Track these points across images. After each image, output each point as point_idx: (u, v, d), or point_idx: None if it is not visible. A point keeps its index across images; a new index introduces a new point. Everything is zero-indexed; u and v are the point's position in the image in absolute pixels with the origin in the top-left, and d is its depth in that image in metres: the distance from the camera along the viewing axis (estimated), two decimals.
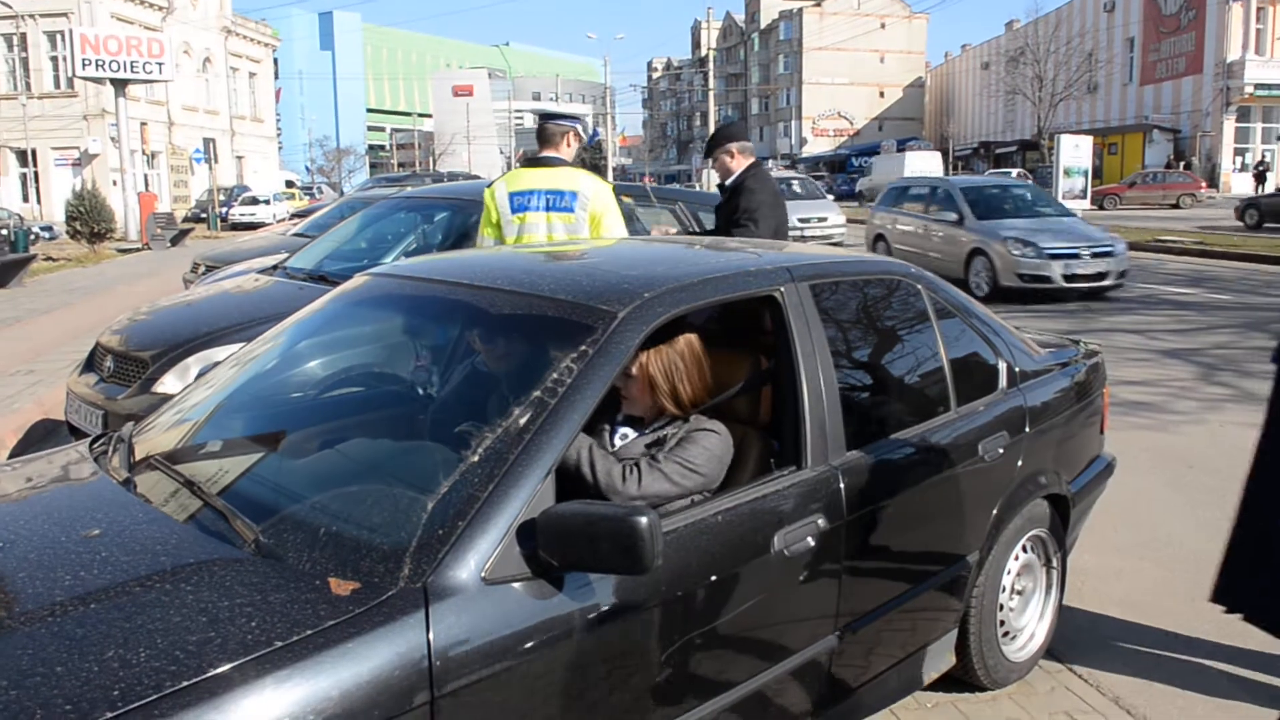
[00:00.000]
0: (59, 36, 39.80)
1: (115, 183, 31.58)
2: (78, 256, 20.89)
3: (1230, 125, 42.54)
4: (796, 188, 20.87)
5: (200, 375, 3.12)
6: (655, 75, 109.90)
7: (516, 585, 1.88)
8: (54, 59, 40.52)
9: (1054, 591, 3.60)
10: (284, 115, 72.97)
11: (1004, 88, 56.13)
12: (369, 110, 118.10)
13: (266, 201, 39.76)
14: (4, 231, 16.93)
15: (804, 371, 2.58)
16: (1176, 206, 33.51)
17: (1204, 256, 17.83)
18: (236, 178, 48.27)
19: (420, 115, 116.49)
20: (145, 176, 39.54)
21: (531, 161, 4.65)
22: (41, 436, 6.43)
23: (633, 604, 2.04)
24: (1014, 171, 45.88)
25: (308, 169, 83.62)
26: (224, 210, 35.97)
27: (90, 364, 5.23)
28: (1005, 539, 3.24)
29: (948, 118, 74.91)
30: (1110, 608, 4.02)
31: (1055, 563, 3.59)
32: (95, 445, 2.67)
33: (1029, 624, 3.52)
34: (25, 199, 40.54)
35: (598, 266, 2.73)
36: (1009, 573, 3.34)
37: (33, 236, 19.23)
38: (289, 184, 51.87)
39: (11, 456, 5.98)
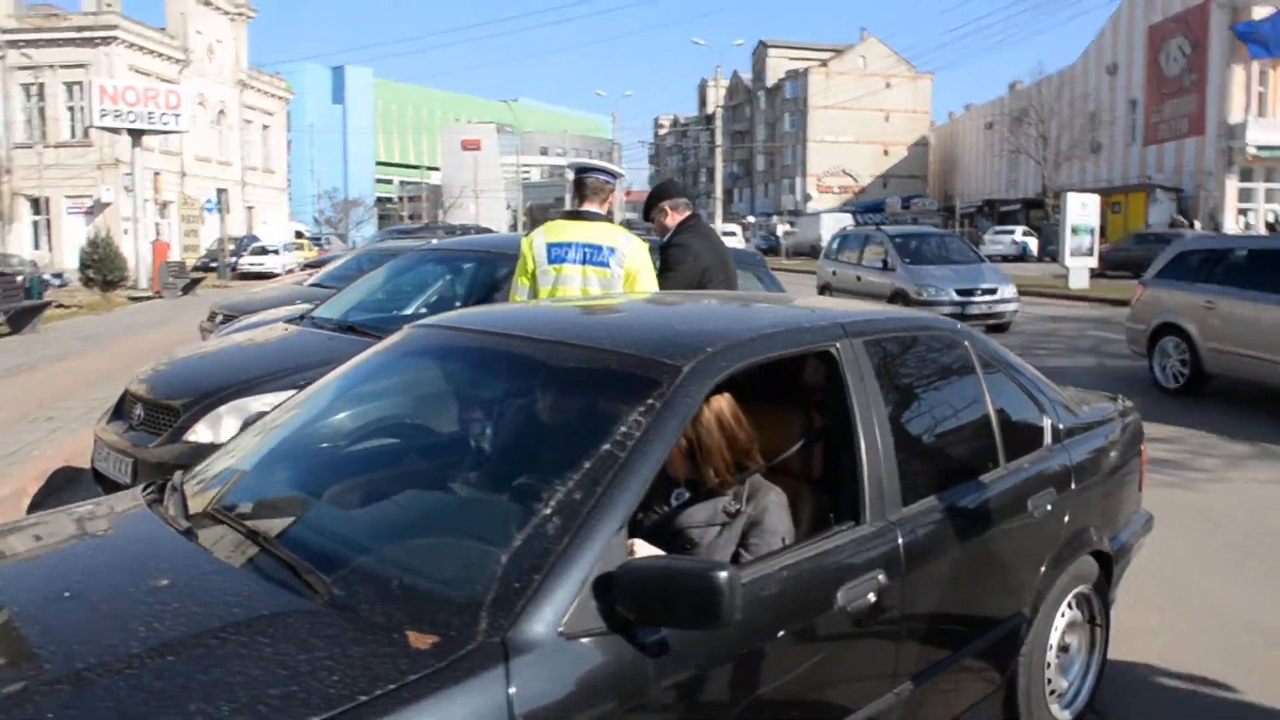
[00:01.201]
0: (76, 88, 40.48)
1: (126, 231, 31.92)
2: (89, 304, 21.01)
3: (1233, 185, 42.86)
4: (933, 248, 16.46)
5: (245, 425, 3.12)
6: (662, 131, 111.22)
7: (593, 640, 1.86)
8: (71, 109, 41.14)
9: (1098, 649, 3.56)
10: (294, 167, 73.70)
11: (1007, 147, 56.72)
12: (378, 163, 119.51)
13: (276, 251, 40.06)
14: (20, 279, 17.03)
15: (861, 427, 2.58)
16: None
17: None
18: (246, 228, 48.68)
19: (429, 168, 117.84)
20: (157, 225, 39.89)
21: (571, 214, 4.69)
22: (63, 484, 6.41)
23: (704, 659, 2.02)
24: (1018, 230, 46.25)
25: (316, 220, 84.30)
26: (233, 260, 36.24)
27: (119, 412, 5.22)
28: (1053, 596, 3.22)
29: (952, 176, 75.63)
30: (1150, 666, 3.97)
31: (1099, 620, 3.56)
32: (148, 493, 2.66)
33: (1073, 682, 3.48)
34: (36, 246, 40.87)
35: (654, 321, 2.75)
36: (1056, 630, 3.31)
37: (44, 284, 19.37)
38: (298, 234, 52.29)
39: (34, 505, 5.96)
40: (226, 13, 49.33)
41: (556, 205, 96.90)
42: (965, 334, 3.26)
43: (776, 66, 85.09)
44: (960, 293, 14.69)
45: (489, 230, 32.14)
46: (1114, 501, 3.71)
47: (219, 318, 10.84)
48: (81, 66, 40.05)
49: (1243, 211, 43.16)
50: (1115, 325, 14.78)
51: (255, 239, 43.22)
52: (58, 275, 29.33)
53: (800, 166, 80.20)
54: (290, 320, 6.19)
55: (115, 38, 40.70)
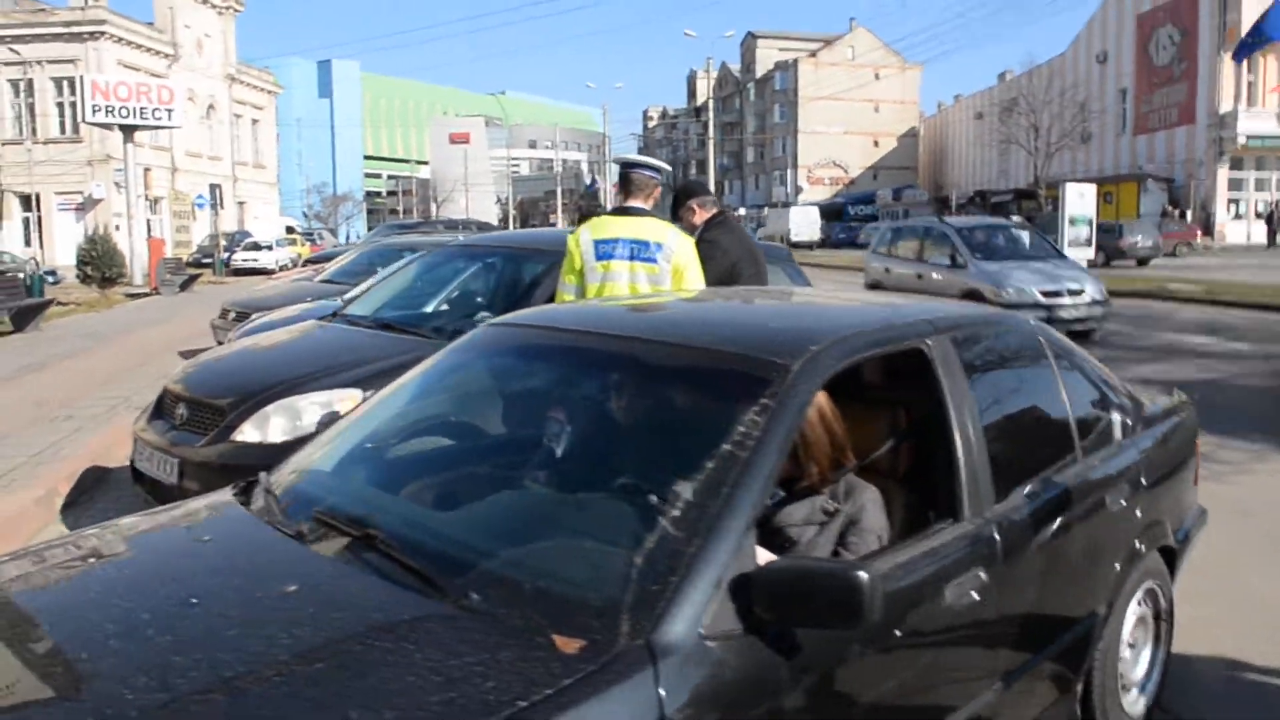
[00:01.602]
0: (65, 83, 40.17)
1: (118, 227, 31.68)
2: (88, 301, 20.87)
3: (1224, 175, 43.07)
4: (1005, 242, 14.70)
5: (322, 424, 3.09)
6: (651, 124, 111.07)
7: (731, 641, 1.85)
8: (60, 105, 40.84)
9: (1163, 643, 3.57)
10: (281, 162, 73.27)
11: (998, 137, 56.84)
12: (366, 157, 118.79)
13: (269, 247, 39.82)
14: (21, 276, 16.90)
15: (956, 423, 2.58)
16: (1173, 255, 33.78)
17: (1213, 305, 17.90)
18: (238, 223, 48.42)
19: (417, 162, 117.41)
20: (149, 222, 39.68)
21: (617, 210, 4.68)
22: (94, 485, 6.37)
23: (832, 659, 2.02)
24: (1011, 220, 46.37)
25: (305, 215, 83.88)
26: (226, 255, 36.06)
27: (159, 411, 5.18)
28: (1127, 590, 3.23)
29: (942, 166, 75.79)
30: (1208, 658, 3.98)
31: (1164, 614, 3.57)
32: (237, 494, 2.64)
33: (1142, 677, 3.49)
34: (27, 243, 40.58)
35: (749, 319, 2.74)
36: (1127, 625, 3.32)
37: None
38: (289, 230, 52.04)
39: (66, 506, 5.92)
40: (214, 6, 49.02)
41: (546, 199, 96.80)
42: (1038, 328, 3.27)
43: (765, 57, 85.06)
44: (1046, 294, 12.85)
45: (489, 225, 32.21)
46: (1176, 495, 3.72)
47: (231, 315, 10.79)
48: (70, 62, 39.74)
49: (1233, 201, 43.40)
50: (1118, 317, 14.87)
51: (247, 234, 42.99)
52: (50, 273, 29.10)
53: (790, 158, 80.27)
54: (321, 317, 6.14)
55: (104, 33, 40.40)
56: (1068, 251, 23.07)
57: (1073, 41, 55.26)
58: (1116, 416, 3.40)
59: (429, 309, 5.96)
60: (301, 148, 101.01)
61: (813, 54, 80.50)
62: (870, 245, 17.34)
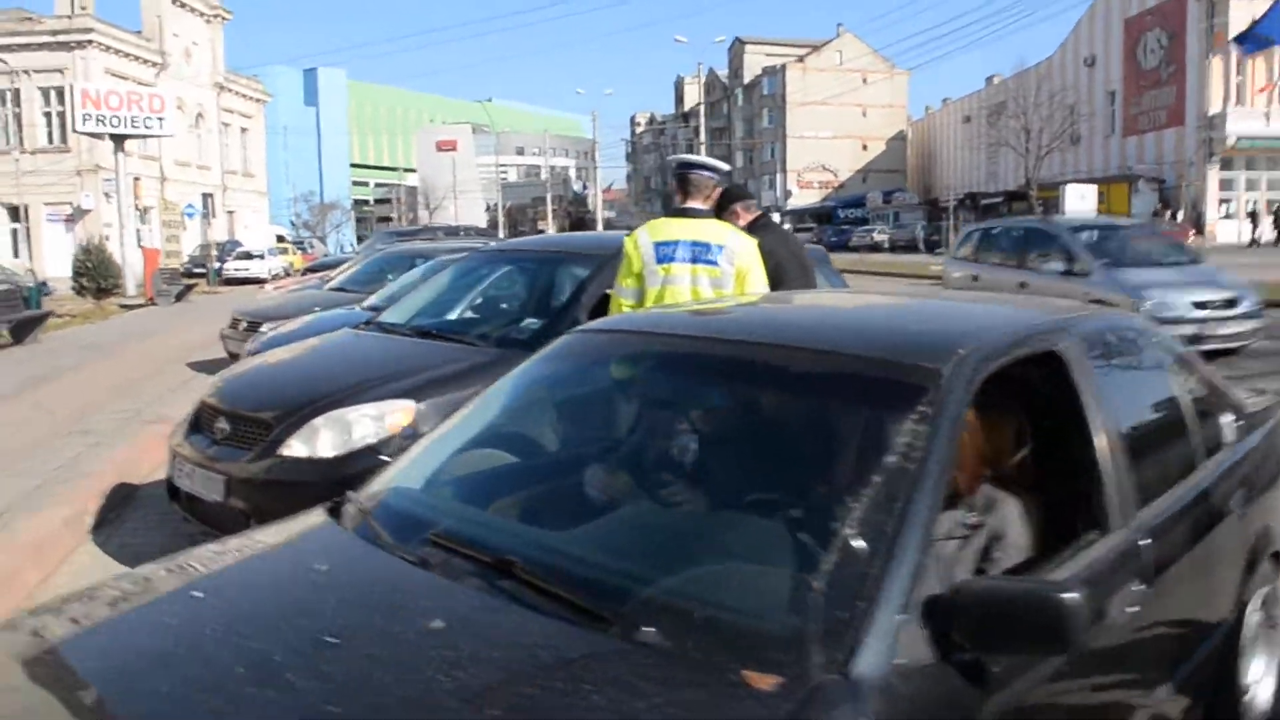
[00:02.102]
0: (53, 93, 39.80)
1: (107, 238, 31.36)
2: (83, 312, 20.59)
3: (1214, 175, 43.23)
4: (1128, 244, 12.46)
5: (406, 438, 2.91)
6: (639, 129, 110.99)
7: (926, 669, 1.70)
8: (47, 115, 40.43)
9: (1278, 649, 3.44)
10: (268, 170, 72.70)
11: (987, 140, 56.94)
12: (353, 165, 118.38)
13: (261, 256, 39.55)
14: (24, 288, 16.64)
15: (1096, 430, 2.44)
16: None
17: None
18: (228, 232, 48.00)
19: (405, 170, 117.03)
20: (139, 231, 39.32)
21: (675, 212, 4.53)
22: (121, 502, 6.17)
23: (1022, 683, 1.88)
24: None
25: (292, 223, 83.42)
26: (218, 265, 35.76)
27: (197, 425, 4.99)
28: (1248, 596, 3.11)
29: (931, 169, 75.94)
30: None
31: (1277, 619, 3.45)
32: (334, 516, 2.47)
33: (1254, 684, 3.36)
34: (15, 254, 40.14)
35: (882, 322, 2.58)
36: (1248, 632, 3.19)
37: None
38: (279, 238, 51.71)
39: (98, 525, 5.71)
40: (202, 14, 48.66)
41: (534, 205, 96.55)
42: (1153, 330, 3.14)
43: (753, 63, 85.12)
44: (1198, 305, 10.64)
45: (488, 232, 31.80)
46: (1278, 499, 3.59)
47: (243, 325, 10.59)
48: (58, 71, 39.38)
49: (1224, 201, 43.56)
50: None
51: (238, 244, 42.66)
52: (42, 284, 28.77)
53: (779, 163, 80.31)
54: (354, 325, 5.97)
55: (91, 41, 40.04)
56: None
57: (1060, 45, 55.42)
58: (1227, 418, 3.27)
59: (470, 315, 5.80)
60: (288, 156, 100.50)
61: (800, 59, 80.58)
62: (950, 249, 15.51)
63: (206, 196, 34.22)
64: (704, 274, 4.31)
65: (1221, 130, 42.05)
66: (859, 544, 1.80)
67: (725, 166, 4.74)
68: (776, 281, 4.78)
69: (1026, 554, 2.41)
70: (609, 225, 72.76)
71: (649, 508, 2.29)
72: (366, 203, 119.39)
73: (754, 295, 4.02)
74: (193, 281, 28.56)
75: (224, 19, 50.77)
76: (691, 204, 4.48)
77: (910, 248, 52.09)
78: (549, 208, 76.85)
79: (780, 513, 2.04)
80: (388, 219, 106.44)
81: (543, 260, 5.97)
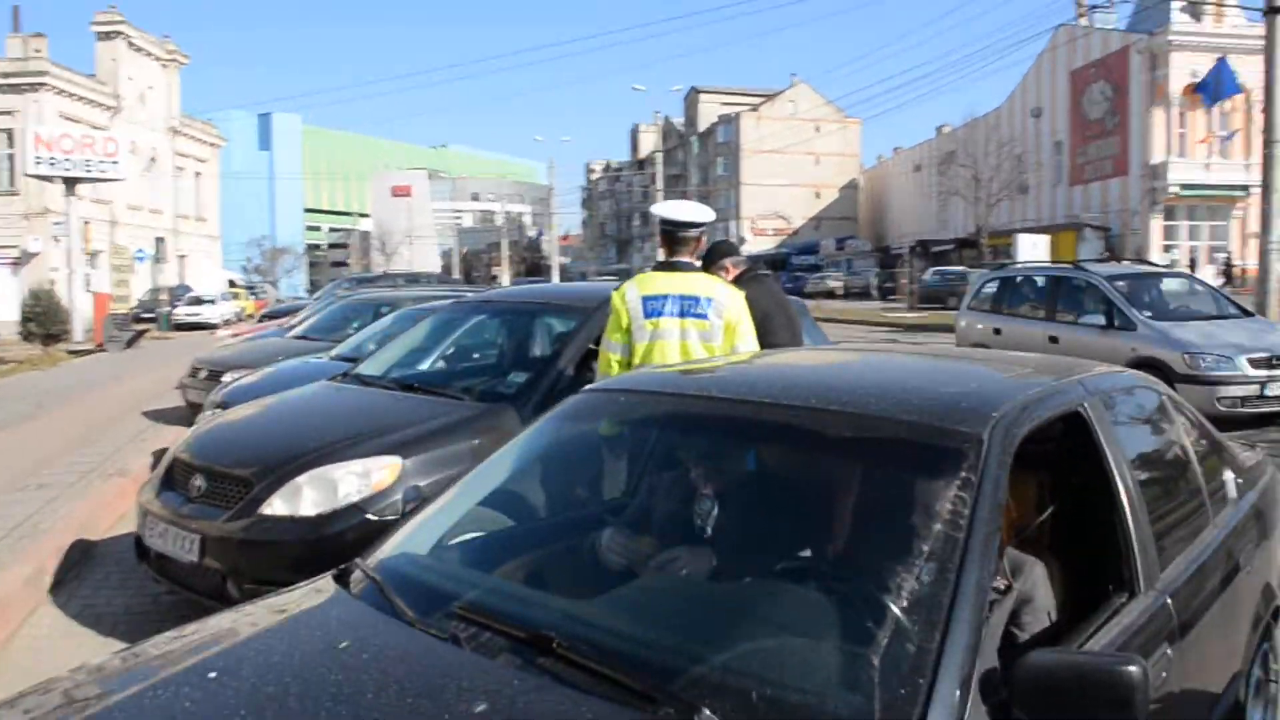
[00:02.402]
0: (2, 135, 39.14)
1: (53, 282, 30.72)
2: (30, 359, 20.05)
3: (1158, 224, 44.42)
4: (1170, 297, 11.46)
5: (407, 501, 2.81)
6: (594, 176, 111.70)
7: None
8: None
9: (1276, 708, 3.43)
10: (221, 214, 71.89)
11: (938, 188, 57.97)
12: (306, 210, 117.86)
13: (212, 301, 39.04)
14: None
15: (1120, 490, 2.42)
16: None
17: None
18: (178, 277, 47.28)
19: (360, 215, 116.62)
20: (88, 276, 38.61)
21: (663, 265, 4.51)
22: (81, 560, 5.94)
23: None
24: (956, 270, 46.79)
25: (244, 268, 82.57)
26: (168, 310, 35.18)
27: (169, 482, 4.82)
28: (1254, 654, 3.09)
29: (882, 217, 77.15)
30: None
31: (1274, 676, 3.43)
32: (342, 586, 2.36)
33: None
34: None
35: (909, 383, 2.54)
36: (1252, 689, 3.17)
37: None
38: (231, 283, 51.08)
39: (57, 585, 5.49)
40: (158, 59, 48.25)
41: (489, 251, 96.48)
42: (1159, 385, 3.14)
43: (708, 111, 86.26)
44: (1257, 364, 9.50)
45: (448, 279, 31.78)
46: (1275, 554, 3.60)
47: (203, 374, 10.36)
48: (8, 113, 38.72)
49: (1167, 248, 44.64)
50: None
51: (188, 289, 42.05)
52: None
53: (734, 209, 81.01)
54: (331, 378, 5.84)
55: (44, 84, 39.45)
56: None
57: (1008, 97, 56.84)
58: (1229, 474, 3.27)
59: (451, 368, 5.70)
60: (241, 200, 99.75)
61: (755, 108, 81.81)
62: (964, 300, 13.85)
63: (159, 240, 33.60)
64: (693, 327, 4.28)
65: (1164, 179, 43.29)
66: (913, 615, 1.75)
67: (710, 216, 4.73)
68: (764, 335, 4.75)
69: (1052, 617, 2.37)
70: (564, 271, 72.88)
71: (682, 578, 2.21)
72: (319, 247, 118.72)
73: (764, 354, 3.97)
74: (143, 327, 28.02)
75: (180, 63, 50.39)
76: (680, 257, 4.46)
77: (864, 294, 52.77)
78: (505, 254, 76.74)
79: (823, 582, 1.98)
80: (342, 264, 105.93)
81: (525, 312, 5.91)
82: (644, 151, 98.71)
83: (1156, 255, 44.12)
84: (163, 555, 4.58)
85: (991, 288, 13.11)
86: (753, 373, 2.84)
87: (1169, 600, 2.39)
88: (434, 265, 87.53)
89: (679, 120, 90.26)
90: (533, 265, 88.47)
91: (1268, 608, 3.23)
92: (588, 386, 2.99)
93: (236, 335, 16.96)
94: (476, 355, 5.87)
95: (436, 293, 12.79)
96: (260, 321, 21.90)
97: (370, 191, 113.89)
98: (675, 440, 2.61)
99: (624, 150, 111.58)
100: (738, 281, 5.03)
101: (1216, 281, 40.32)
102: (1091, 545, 2.50)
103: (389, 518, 4.18)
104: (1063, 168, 51.18)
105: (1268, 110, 18.37)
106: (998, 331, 12.14)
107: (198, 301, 38.31)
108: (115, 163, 30.08)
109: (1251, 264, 37.97)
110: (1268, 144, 18.35)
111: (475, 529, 2.62)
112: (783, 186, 79.69)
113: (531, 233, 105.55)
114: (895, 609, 1.77)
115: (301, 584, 2.49)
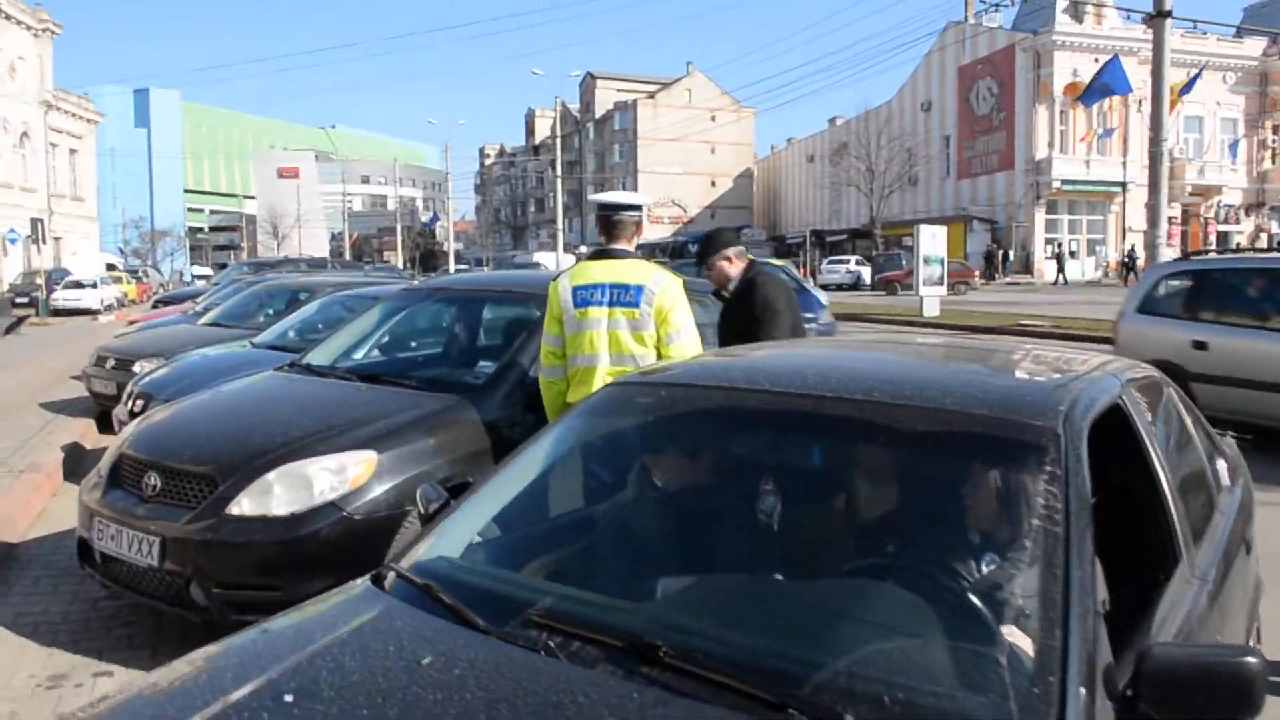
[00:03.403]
0: None
1: None
2: None
3: (1041, 216, 46.29)
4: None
5: (426, 501, 2.67)
6: (489, 161, 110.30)
7: None
8: None
9: None
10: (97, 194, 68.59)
11: (831, 179, 59.12)
12: (187, 190, 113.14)
13: (93, 285, 37.22)
14: None
15: (1163, 479, 2.47)
16: (954, 292, 33.65)
17: (1068, 339, 18.86)
18: (54, 260, 44.90)
19: (245, 197, 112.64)
20: None
21: (597, 254, 4.43)
22: (4, 564, 5.56)
23: None
24: (851, 259, 47.77)
25: (121, 250, 78.97)
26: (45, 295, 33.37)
27: (115, 479, 4.54)
28: (1250, 633, 3.21)
29: (776, 206, 78.33)
30: None
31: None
32: (384, 590, 2.24)
33: None
34: None
35: (962, 375, 2.53)
36: None
37: None
38: (110, 266, 48.79)
39: None
40: (30, 28, 45.58)
41: (380, 236, 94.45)
42: (1163, 376, 3.23)
43: (604, 98, 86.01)
44: None
45: (356, 264, 31.06)
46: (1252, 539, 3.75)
47: (110, 363, 9.80)
48: None
49: (1049, 241, 46.53)
50: None
51: (66, 272, 39.96)
52: None
53: None
54: (280, 368, 5.57)
55: None
56: (923, 290, 24.12)
57: (899, 91, 58.26)
58: (1222, 463, 3.39)
59: (412, 359, 5.53)
60: (116, 179, 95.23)
61: (651, 95, 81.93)
62: (1129, 301, 10.20)
63: (36, 221, 31.69)
64: (622, 316, 4.21)
65: (1048, 175, 45.13)
66: (1030, 612, 1.74)
67: (646, 199, 4.69)
68: (771, 330, 4.68)
69: (1106, 607, 2.40)
70: (458, 257, 71.86)
71: (766, 579, 2.16)
72: (201, 230, 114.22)
73: (782, 345, 3.90)
74: (24, 313, 26.51)
75: (53, 33, 47.71)
76: (616, 244, 4.38)
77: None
78: (399, 239, 75.22)
79: (923, 581, 1.95)
80: (226, 248, 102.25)
81: (482, 300, 5.76)
82: (540, 136, 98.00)
83: (1039, 246, 46.03)
84: (111, 558, 4.31)
85: (1178, 285, 9.84)
86: (793, 365, 2.78)
87: (1202, 587, 2.45)
88: (323, 250, 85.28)
89: (575, 106, 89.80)
90: (427, 251, 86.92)
91: (1258, 588, 3.36)
92: (614, 380, 2.90)
93: (133, 322, 16.15)
94: (434, 345, 5.69)
95: (355, 279, 12.43)
96: (155, 308, 20.88)
97: (255, 172, 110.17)
98: (725, 435, 2.54)
99: (519, 135, 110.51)
100: (746, 273, 4.94)
101: (1098, 274, 42.40)
102: (1127, 534, 2.53)
103: (366, 516, 4.04)
104: (951, 161, 52.83)
105: (1154, 112, 19.24)
106: (1201, 346, 8.81)
107: (77, 285, 36.44)
108: None
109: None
110: (1154, 143, 19.23)
111: (513, 530, 2.52)
112: (679, 175, 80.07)
113: (424, 218, 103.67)
114: (1012, 607, 1.76)
115: (333, 592, 2.35)
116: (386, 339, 5.75)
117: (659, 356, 4.20)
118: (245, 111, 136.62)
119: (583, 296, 4.26)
